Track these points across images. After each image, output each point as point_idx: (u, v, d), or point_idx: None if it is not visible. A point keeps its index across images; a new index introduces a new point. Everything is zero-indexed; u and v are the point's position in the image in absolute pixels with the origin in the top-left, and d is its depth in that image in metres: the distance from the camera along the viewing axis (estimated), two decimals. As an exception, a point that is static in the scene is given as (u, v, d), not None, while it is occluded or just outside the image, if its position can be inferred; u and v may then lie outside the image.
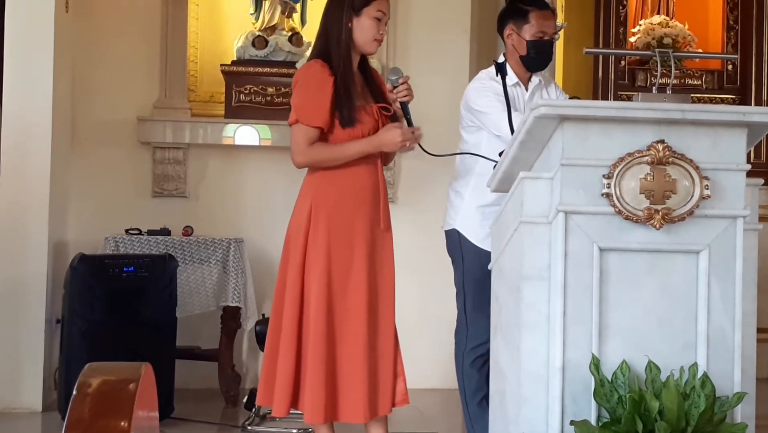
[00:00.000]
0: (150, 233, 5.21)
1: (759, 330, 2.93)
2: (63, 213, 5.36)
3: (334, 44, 3.32)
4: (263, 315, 5.05)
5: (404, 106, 3.35)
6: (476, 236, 3.71)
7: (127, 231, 5.22)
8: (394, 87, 3.35)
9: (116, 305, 4.64)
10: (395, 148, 3.33)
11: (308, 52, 5.78)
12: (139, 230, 5.24)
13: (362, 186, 3.33)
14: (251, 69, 5.71)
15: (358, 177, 3.33)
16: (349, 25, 3.32)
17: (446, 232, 3.84)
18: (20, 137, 4.96)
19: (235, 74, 5.71)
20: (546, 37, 3.77)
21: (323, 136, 3.31)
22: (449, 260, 3.84)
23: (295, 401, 3.28)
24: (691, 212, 2.63)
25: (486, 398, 3.49)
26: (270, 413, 4.72)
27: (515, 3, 3.84)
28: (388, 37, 5.00)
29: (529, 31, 3.74)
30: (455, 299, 3.84)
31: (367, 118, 3.31)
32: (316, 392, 3.22)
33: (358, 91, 3.34)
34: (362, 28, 3.33)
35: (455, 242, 3.79)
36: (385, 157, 3.47)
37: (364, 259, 3.30)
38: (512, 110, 3.64)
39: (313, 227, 3.30)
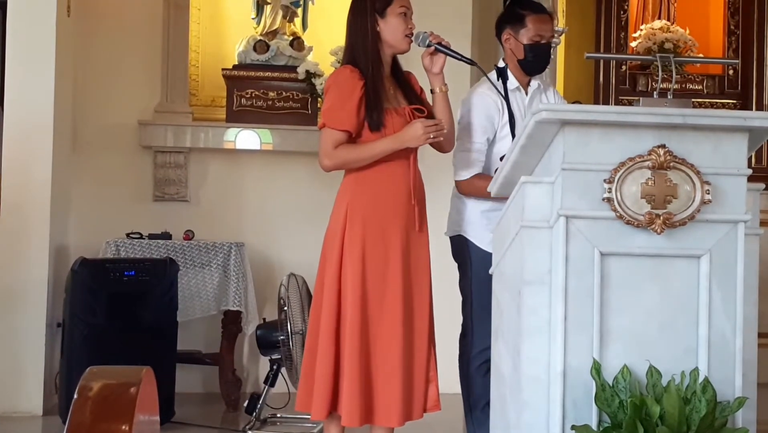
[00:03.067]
0: (151, 237, 5.21)
1: (760, 335, 2.93)
2: (64, 217, 5.36)
3: (361, 51, 3.33)
4: (264, 319, 5.05)
5: (448, 49, 3.36)
6: (482, 239, 3.69)
7: (128, 235, 5.22)
8: (430, 46, 3.36)
9: (117, 309, 4.65)
10: (420, 143, 3.30)
11: (309, 57, 5.80)
12: (140, 234, 5.24)
13: (397, 188, 3.34)
14: (252, 73, 5.71)
15: (392, 179, 3.33)
16: (377, 28, 3.33)
17: (451, 238, 3.83)
18: (22, 141, 4.97)
19: (237, 78, 5.71)
20: (543, 41, 3.77)
21: (352, 140, 3.31)
22: (452, 265, 3.84)
23: (334, 405, 3.28)
24: (692, 217, 2.63)
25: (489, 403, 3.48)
26: (270, 417, 4.75)
27: (512, 7, 3.85)
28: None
29: (526, 35, 3.76)
30: (461, 304, 3.83)
31: (398, 120, 3.31)
32: (351, 395, 3.22)
33: (389, 94, 3.35)
34: (391, 28, 3.34)
35: (461, 247, 3.78)
36: (440, 146, 3.48)
37: (399, 262, 3.30)
38: (514, 115, 3.66)
39: (348, 231, 3.30)
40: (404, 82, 3.45)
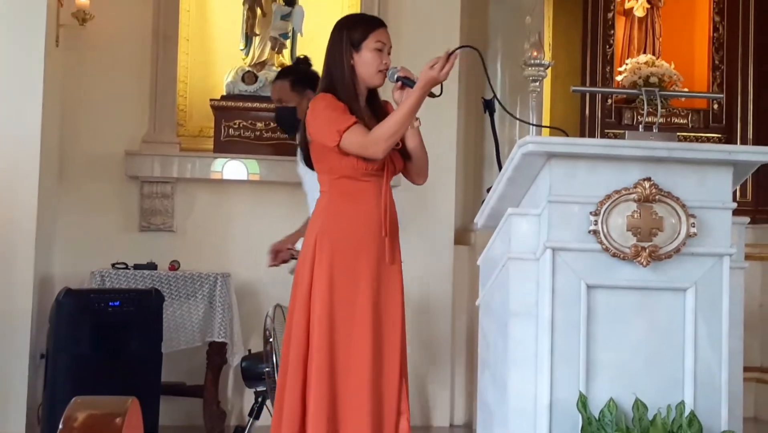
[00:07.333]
0: (136, 267, 5.19)
1: (745, 369, 2.93)
2: (49, 247, 5.34)
3: (339, 83, 3.31)
4: (249, 351, 5.02)
5: (407, 81, 3.32)
6: None
7: (113, 265, 5.20)
8: (399, 80, 3.31)
9: (102, 340, 4.62)
10: (439, 80, 3.18)
11: (297, 88, 5.80)
12: (125, 264, 5.22)
13: (368, 219, 3.28)
14: (240, 104, 5.72)
15: (363, 209, 3.27)
16: (351, 62, 3.33)
17: None
18: (8, 170, 4.95)
19: (225, 109, 5.72)
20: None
21: (335, 157, 3.25)
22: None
23: None
24: (677, 250, 2.64)
25: None
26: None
27: None
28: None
29: None
30: None
31: None
32: (317, 427, 3.20)
33: (365, 123, 3.34)
34: (364, 62, 3.32)
35: None
36: (413, 178, 3.46)
37: (368, 293, 3.26)
38: None
39: (317, 259, 3.26)
40: (380, 112, 3.42)
